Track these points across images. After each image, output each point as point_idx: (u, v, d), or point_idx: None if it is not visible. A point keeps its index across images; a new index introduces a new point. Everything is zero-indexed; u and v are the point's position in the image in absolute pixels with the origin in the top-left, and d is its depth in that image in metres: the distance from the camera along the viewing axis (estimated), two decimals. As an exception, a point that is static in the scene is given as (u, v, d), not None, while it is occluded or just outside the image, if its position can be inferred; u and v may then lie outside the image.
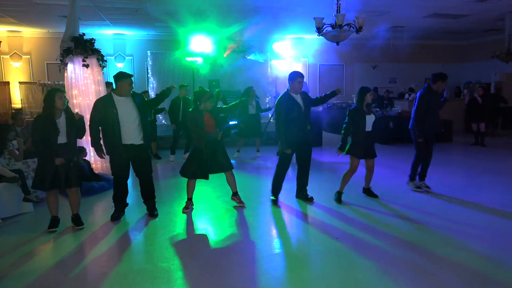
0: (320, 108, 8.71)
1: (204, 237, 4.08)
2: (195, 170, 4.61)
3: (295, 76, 4.76)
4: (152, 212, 4.68)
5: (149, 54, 12.47)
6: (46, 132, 3.94)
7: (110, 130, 4.30)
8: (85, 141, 6.55)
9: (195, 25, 9.03)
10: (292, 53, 12.76)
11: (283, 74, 13.01)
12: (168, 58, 12.46)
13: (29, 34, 11.90)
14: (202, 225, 4.44)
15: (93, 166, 6.39)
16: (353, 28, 5.49)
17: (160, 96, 4.65)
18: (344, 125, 5.01)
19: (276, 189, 5.07)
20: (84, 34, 6.40)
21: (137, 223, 4.46)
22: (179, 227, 4.31)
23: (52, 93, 4.02)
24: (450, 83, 14.96)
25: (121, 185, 4.56)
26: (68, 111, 4.17)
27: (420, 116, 5.27)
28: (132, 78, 4.41)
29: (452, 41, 14.87)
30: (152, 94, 12.64)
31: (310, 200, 5.13)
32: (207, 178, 4.68)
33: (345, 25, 5.47)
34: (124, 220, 4.56)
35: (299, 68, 13.19)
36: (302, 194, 5.17)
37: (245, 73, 12.03)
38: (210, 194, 5.60)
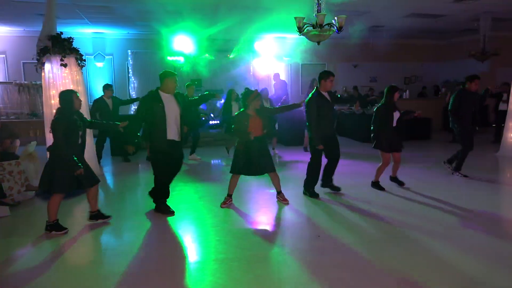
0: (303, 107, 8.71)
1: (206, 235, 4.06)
2: (242, 167, 4.78)
3: (328, 75, 5.09)
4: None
5: (129, 53, 12.28)
6: (70, 132, 3.92)
7: (158, 126, 4.43)
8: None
9: (175, 24, 8.95)
10: (274, 52, 12.80)
11: (265, 73, 13.04)
12: (149, 57, 12.30)
13: (4, 32, 11.55)
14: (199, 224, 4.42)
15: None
16: (333, 27, 5.54)
17: (203, 98, 5.30)
18: (372, 122, 5.53)
19: (313, 183, 5.31)
20: (62, 32, 6.25)
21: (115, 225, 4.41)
22: (162, 227, 4.28)
23: (69, 94, 4.06)
24: (427, 82, 15.30)
25: (166, 179, 4.65)
26: (77, 112, 4.18)
27: (454, 112, 6.17)
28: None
29: (430, 41, 15.19)
30: (133, 94, 12.47)
31: (337, 188, 5.47)
32: (253, 174, 4.90)
33: (325, 25, 5.51)
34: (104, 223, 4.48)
35: (281, 67, 13.25)
36: (329, 184, 5.48)
37: (227, 73, 12.00)
38: (192, 195, 5.59)
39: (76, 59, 6.40)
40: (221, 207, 4.90)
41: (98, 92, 12.61)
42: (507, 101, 8.56)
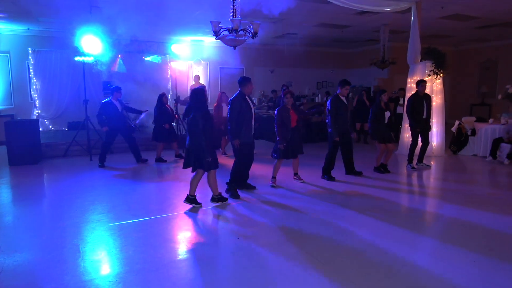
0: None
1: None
2: (285, 153, 5.93)
3: (344, 84, 6.36)
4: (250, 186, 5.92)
5: (30, 51, 11.15)
6: (206, 124, 4.71)
7: (246, 122, 5.41)
8: None
9: (83, 22, 8.36)
10: (192, 55, 12.69)
11: (183, 75, 12.85)
12: (54, 56, 11.31)
13: None
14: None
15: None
16: (249, 33, 5.69)
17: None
18: (369, 120, 6.96)
19: (330, 168, 6.53)
20: None
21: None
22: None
23: (202, 92, 4.82)
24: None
25: (246, 169, 5.74)
26: None
27: (409, 114, 7.34)
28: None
29: (338, 49, 16.44)
30: (35, 97, 11.34)
31: (359, 173, 6.81)
32: (294, 157, 6.13)
33: (241, 30, 5.63)
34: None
35: (199, 70, 13.17)
36: (352, 171, 6.83)
37: (142, 74, 11.56)
38: (104, 206, 5.26)
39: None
40: (272, 186, 6.00)
41: (-8, 94, 11.23)
42: (403, 105, 9.61)
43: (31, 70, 11.22)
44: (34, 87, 11.29)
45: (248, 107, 5.49)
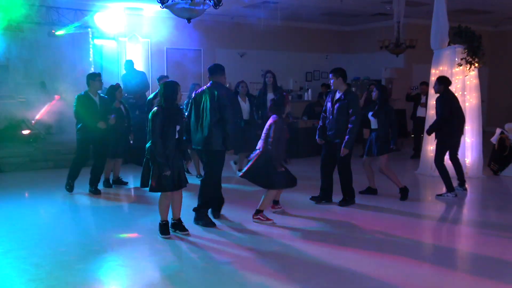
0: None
1: None
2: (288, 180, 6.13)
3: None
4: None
5: None
6: (167, 126, 5.06)
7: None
8: None
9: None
10: (124, 30, 12.51)
11: (111, 57, 12.64)
12: None
13: None
14: None
15: None
16: (209, 1, 5.66)
17: None
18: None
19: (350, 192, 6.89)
20: None
21: None
22: None
23: (174, 86, 5.19)
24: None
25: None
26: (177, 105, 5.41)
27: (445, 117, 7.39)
28: None
29: (336, 26, 16.64)
30: None
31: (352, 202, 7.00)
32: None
33: (198, -5, 5.60)
34: None
35: (138, 50, 13.02)
36: (329, 198, 7.04)
37: (52, 55, 11.30)
38: None
39: None
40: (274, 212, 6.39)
41: None
42: (425, 105, 9.69)
43: None
44: None
45: None
